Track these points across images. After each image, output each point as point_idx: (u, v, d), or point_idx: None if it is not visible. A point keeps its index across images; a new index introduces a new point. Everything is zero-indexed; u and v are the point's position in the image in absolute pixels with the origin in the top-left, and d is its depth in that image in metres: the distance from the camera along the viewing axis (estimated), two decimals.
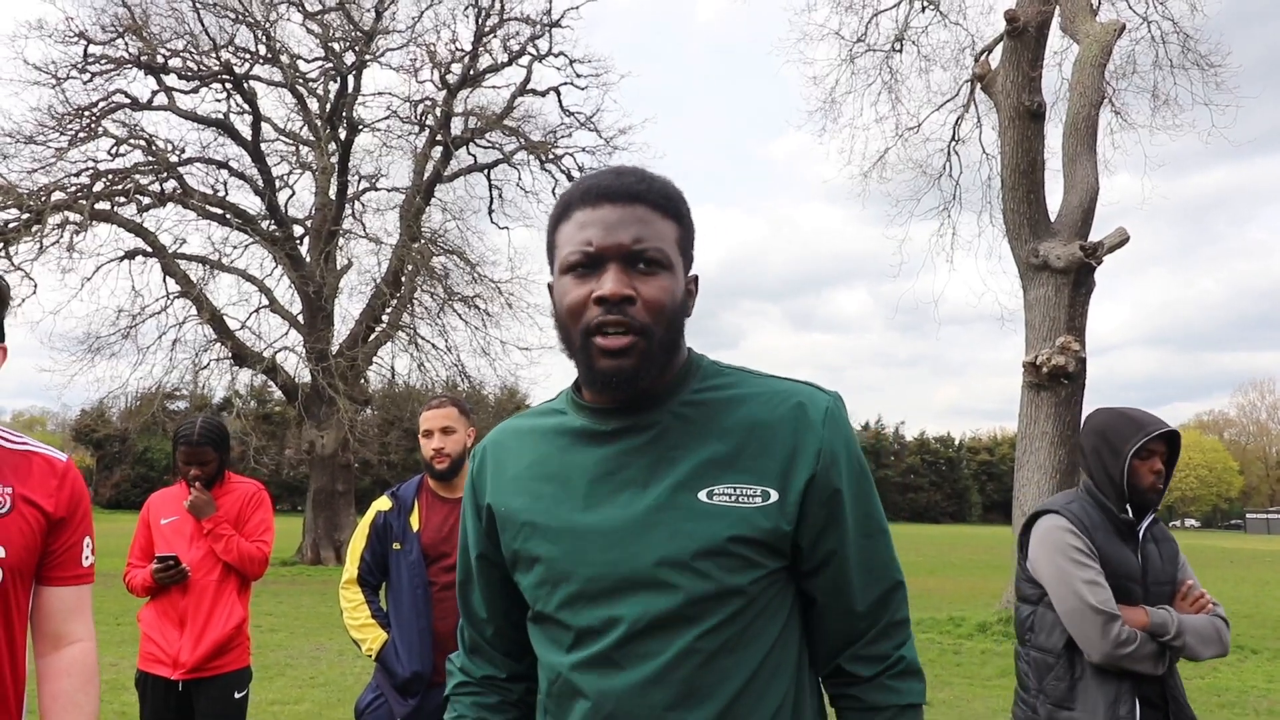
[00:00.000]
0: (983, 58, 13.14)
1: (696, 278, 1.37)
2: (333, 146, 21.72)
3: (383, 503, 3.23)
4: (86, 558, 1.84)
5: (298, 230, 22.46)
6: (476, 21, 22.51)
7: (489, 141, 23.34)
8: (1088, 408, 11.95)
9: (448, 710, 1.52)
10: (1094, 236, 11.72)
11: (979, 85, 13.27)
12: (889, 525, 1.39)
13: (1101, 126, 12.71)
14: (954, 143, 16.36)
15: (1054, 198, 12.17)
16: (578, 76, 23.04)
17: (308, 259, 21.59)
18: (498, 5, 22.50)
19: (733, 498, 1.26)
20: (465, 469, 3.25)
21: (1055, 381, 11.09)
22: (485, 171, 23.69)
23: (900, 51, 16.08)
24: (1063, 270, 11.41)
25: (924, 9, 15.81)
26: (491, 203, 23.99)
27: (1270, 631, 12.39)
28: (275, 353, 21.44)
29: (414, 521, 3.15)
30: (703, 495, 1.26)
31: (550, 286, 1.35)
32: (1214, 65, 14.93)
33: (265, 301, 21.77)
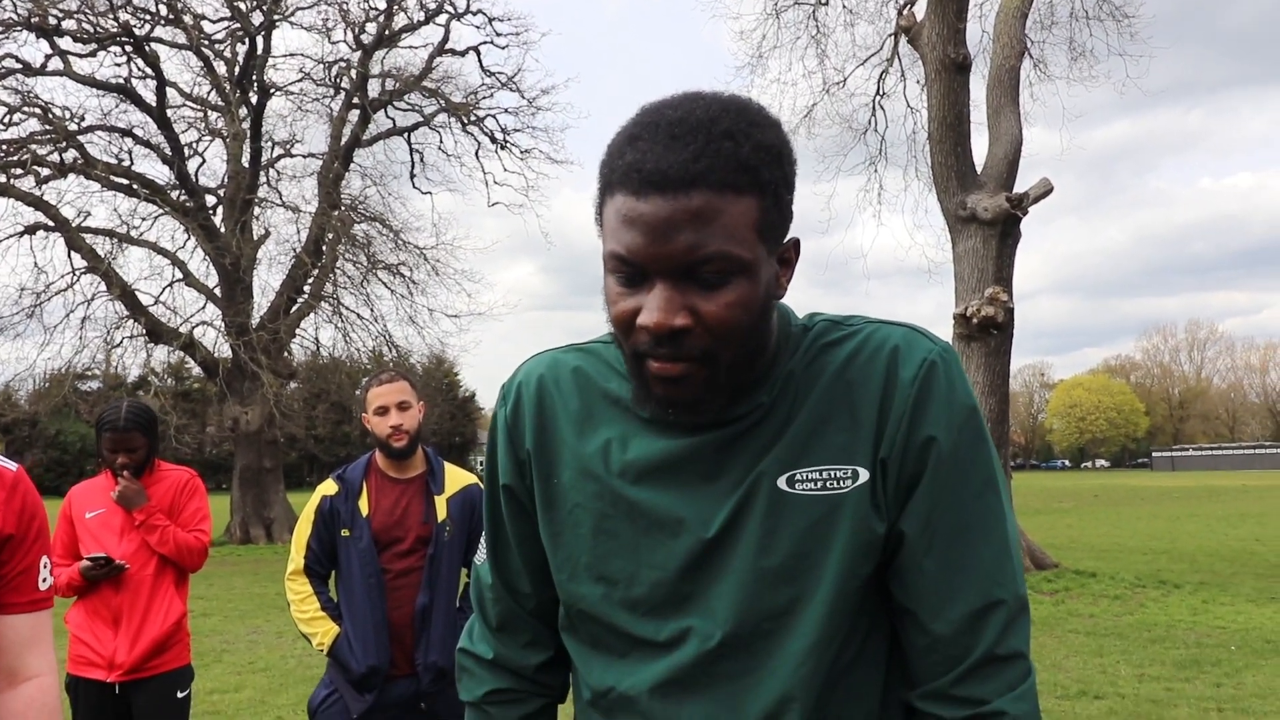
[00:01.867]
0: (907, 10, 13.15)
1: (796, 243, 1.04)
2: (244, 111, 20.84)
3: (328, 486, 3.06)
4: (44, 579, 1.57)
5: (210, 200, 21.61)
6: None
7: (408, 104, 22.71)
8: (1014, 358, 12.22)
9: None
10: (1017, 188, 11.90)
11: (904, 38, 13.29)
12: (1007, 524, 1.04)
13: (1022, 78, 12.87)
14: (879, 97, 16.45)
15: (978, 151, 12.33)
16: (497, 35, 22.48)
17: (222, 229, 20.78)
18: None
19: (818, 483, 1.01)
20: (420, 448, 3.09)
21: (985, 332, 11.27)
22: (405, 135, 23.06)
23: (826, 4, 16.03)
24: (990, 222, 11.57)
25: None
26: (413, 167, 23.40)
27: (1188, 565, 12.94)
28: (192, 328, 20.67)
29: (363, 506, 2.98)
30: (783, 483, 1.02)
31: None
32: (1128, 16, 15.24)
33: (179, 275, 20.92)
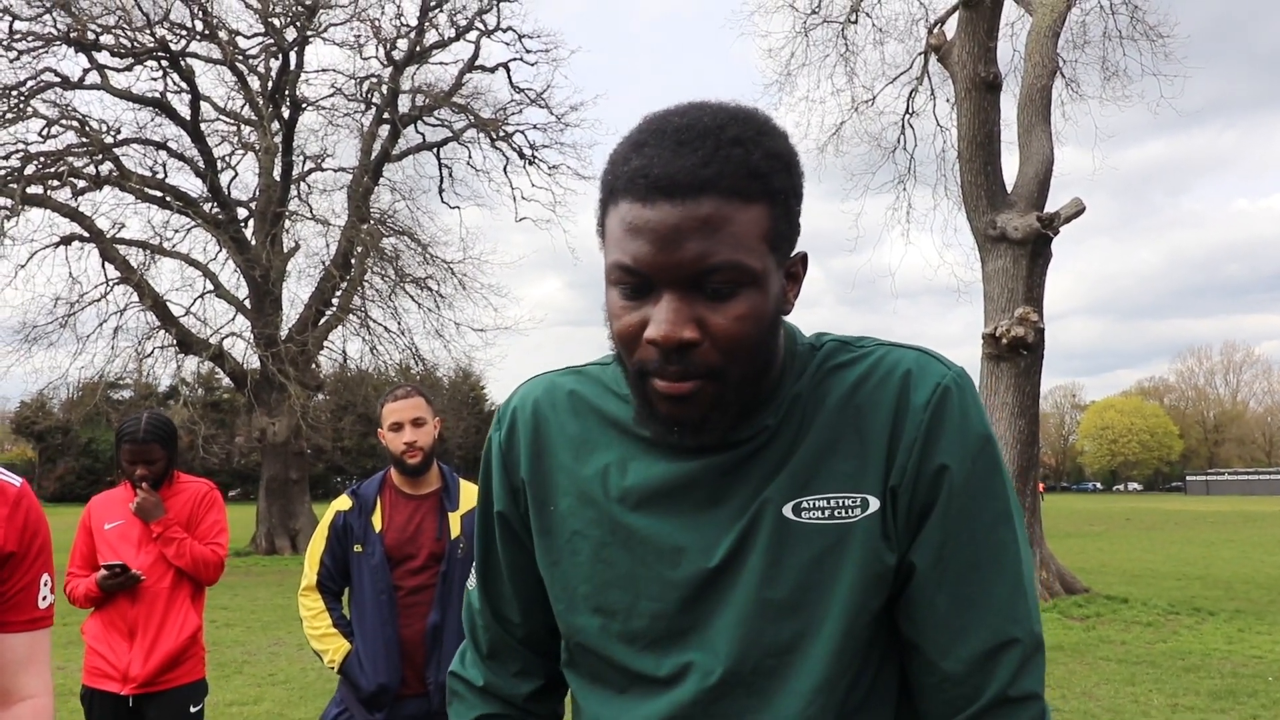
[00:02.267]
0: (937, 29, 13.08)
1: (804, 257, 1.00)
2: (276, 125, 21.10)
3: (342, 502, 3.03)
4: (44, 598, 1.52)
5: (242, 213, 21.86)
6: None
7: (438, 119, 22.91)
8: (1045, 379, 12.06)
9: None
10: (1048, 208, 11.77)
11: (934, 56, 13.22)
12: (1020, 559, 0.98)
13: (1054, 98, 12.75)
14: (908, 115, 16.35)
15: (1008, 170, 12.22)
16: (527, 52, 22.66)
17: (253, 242, 21.01)
18: None
19: (826, 511, 0.96)
20: (435, 465, 3.06)
21: (1014, 352, 11.13)
22: (434, 150, 23.26)
23: (855, 23, 15.98)
24: (1020, 241, 11.44)
25: None
26: (442, 182, 23.60)
27: (1223, 593, 12.66)
28: (222, 339, 20.88)
29: (376, 522, 2.95)
30: (789, 511, 0.96)
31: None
32: (1162, 36, 15.07)
33: (210, 286, 21.17)
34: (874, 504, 0.96)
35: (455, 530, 2.96)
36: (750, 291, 0.92)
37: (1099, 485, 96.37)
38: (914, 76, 16.10)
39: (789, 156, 0.95)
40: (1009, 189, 11.97)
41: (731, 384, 0.94)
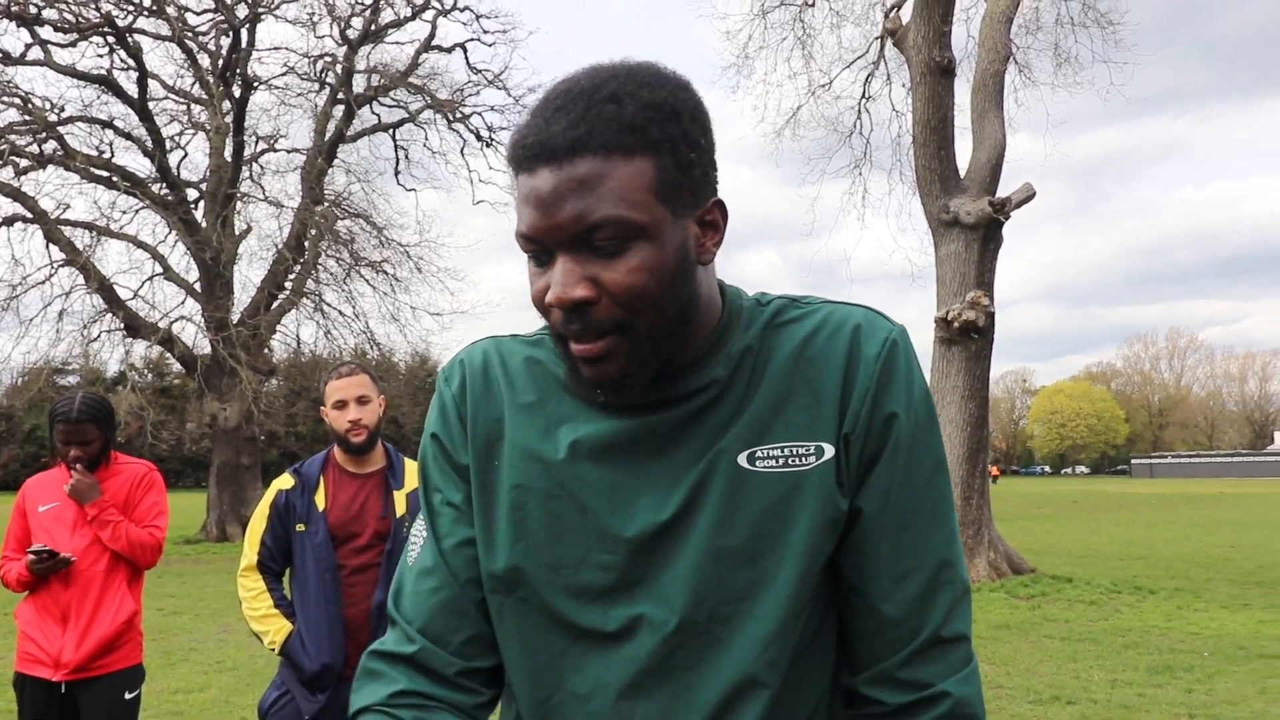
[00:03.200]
0: (893, 13, 13.15)
1: (718, 203, 1.00)
2: (226, 105, 20.69)
3: (284, 480, 2.99)
4: None
5: (192, 194, 21.42)
6: None
7: (393, 100, 22.62)
8: (996, 364, 12.24)
9: None
10: (1000, 193, 11.92)
11: (890, 40, 13.30)
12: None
13: (1006, 84, 12.89)
14: (864, 100, 16.45)
15: (962, 155, 12.34)
16: (484, 32, 22.43)
17: (203, 224, 20.61)
18: None
19: (780, 460, 0.98)
20: (380, 444, 3.03)
21: (966, 336, 11.28)
22: (390, 131, 22.96)
23: (813, 6, 16.01)
24: (972, 226, 11.58)
25: None
26: (398, 164, 23.31)
27: (1164, 572, 12.99)
28: (171, 323, 20.49)
29: (319, 500, 2.91)
30: (743, 460, 0.98)
31: None
32: (1113, 23, 15.30)
33: (159, 269, 20.76)
34: (829, 451, 0.98)
35: (401, 508, 2.93)
36: (641, 245, 0.92)
37: (1047, 469, 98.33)
38: (870, 61, 16.21)
39: (674, 104, 0.94)
40: (962, 174, 12.10)
41: (643, 337, 0.95)
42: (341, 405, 2.91)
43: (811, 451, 0.98)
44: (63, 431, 3.23)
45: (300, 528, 2.89)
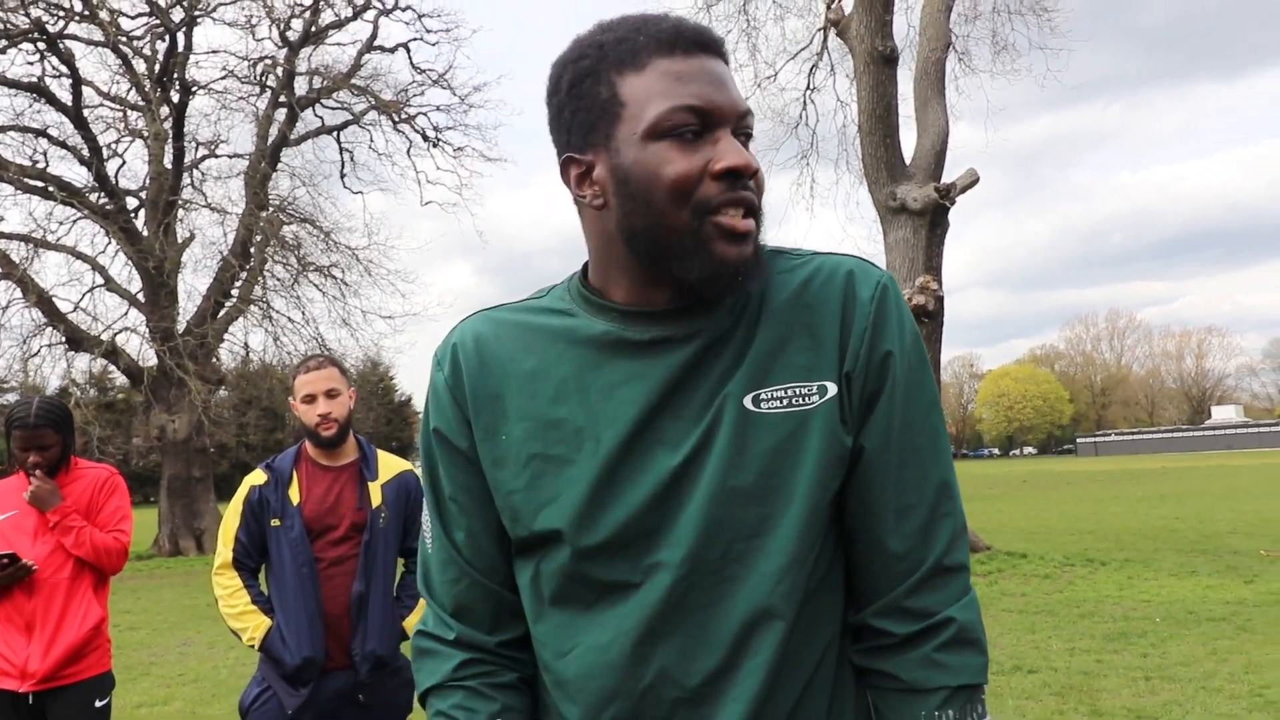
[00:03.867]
0: (834, 4, 13.31)
1: None
2: (165, 110, 20.23)
3: (256, 476, 2.96)
4: None
5: (131, 202, 20.92)
6: None
7: (337, 102, 22.29)
8: (945, 350, 12.47)
9: (448, 706, 1.10)
10: (945, 180, 12.13)
11: (833, 31, 13.46)
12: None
13: (947, 72, 13.12)
14: (810, 91, 16.63)
15: (907, 143, 12.55)
16: (428, 32, 22.21)
17: (145, 232, 20.15)
18: None
19: (784, 400, 1.01)
20: (351, 436, 3.01)
21: (916, 320, 11.42)
22: (335, 134, 22.64)
23: None
24: (919, 212, 11.78)
25: None
26: (343, 166, 22.99)
27: (1113, 544, 13.34)
28: (115, 334, 20.02)
29: (294, 494, 2.89)
30: (749, 403, 1.01)
31: (568, 162, 1.05)
32: (1047, 10, 15.65)
33: (100, 280, 20.25)
34: (831, 389, 1.02)
35: (376, 499, 2.92)
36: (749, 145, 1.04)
37: (996, 451, 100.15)
38: (814, 52, 16.39)
39: None
40: (908, 161, 12.30)
41: (759, 229, 1.03)
42: (311, 399, 2.89)
43: (814, 391, 1.02)
44: (20, 438, 3.17)
45: (275, 522, 2.87)
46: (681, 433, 1.02)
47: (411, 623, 2.93)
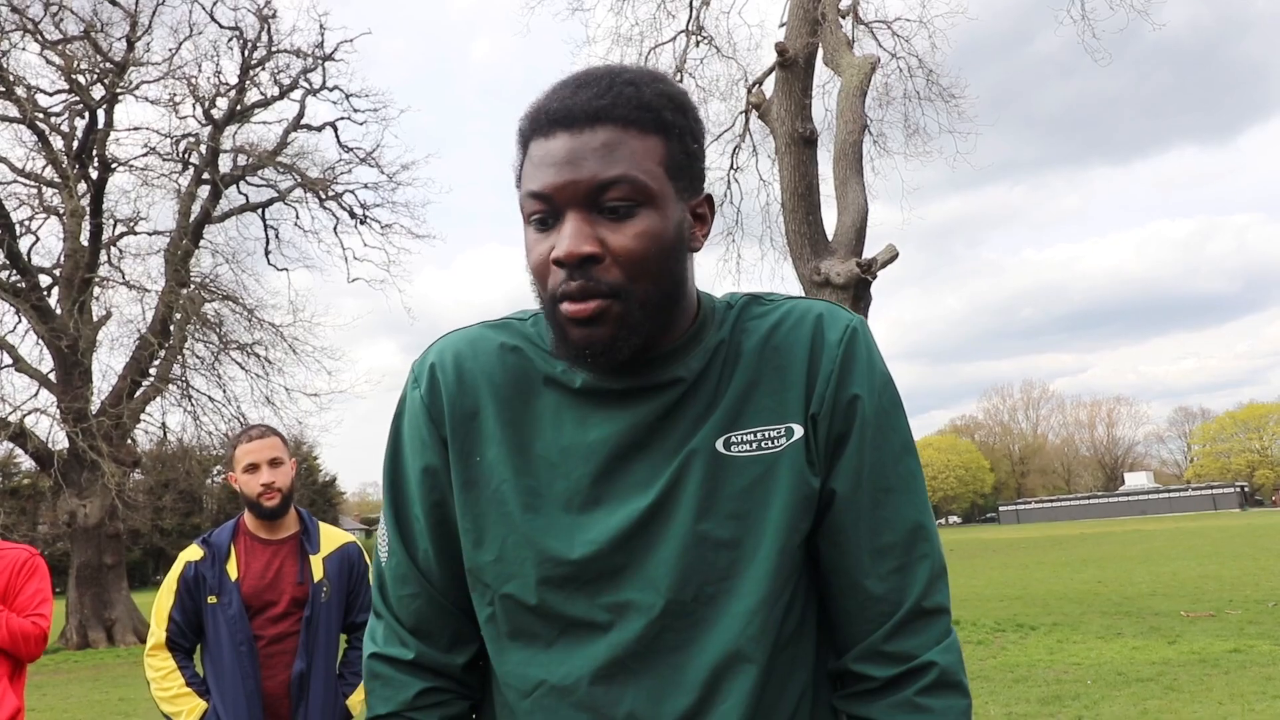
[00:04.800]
0: (755, 89, 13.82)
1: (709, 198, 1.07)
2: (83, 187, 19.84)
3: (192, 552, 2.87)
4: None
5: (45, 280, 20.34)
6: (242, 54, 21.38)
7: (262, 179, 22.15)
8: None
9: None
10: (866, 255, 12.54)
11: (755, 114, 13.94)
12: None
13: (865, 153, 13.66)
14: (733, 171, 17.10)
15: (828, 221, 12.96)
16: (355, 111, 22.32)
17: (58, 310, 19.55)
18: (265, 38, 21.48)
19: (753, 444, 1.02)
20: (292, 508, 2.95)
21: None
22: (259, 211, 22.42)
23: (680, 83, 16.62)
24: (843, 286, 12.11)
25: (698, 44, 16.50)
26: (268, 244, 22.72)
27: (1041, 609, 13.57)
28: (23, 416, 19.20)
29: (232, 570, 2.81)
30: (720, 445, 1.02)
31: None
32: (955, 96, 16.45)
33: (8, 360, 19.50)
34: (798, 431, 1.03)
35: (318, 573, 2.86)
36: (648, 211, 0.99)
37: None
38: (737, 134, 16.91)
39: (682, 99, 1.04)
40: (829, 238, 12.69)
41: (636, 303, 0.99)
42: (253, 469, 2.84)
43: (782, 433, 1.03)
44: None
45: (212, 599, 2.78)
46: (652, 474, 1.03)
47: (355, 700, 2.84)
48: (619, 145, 0.98)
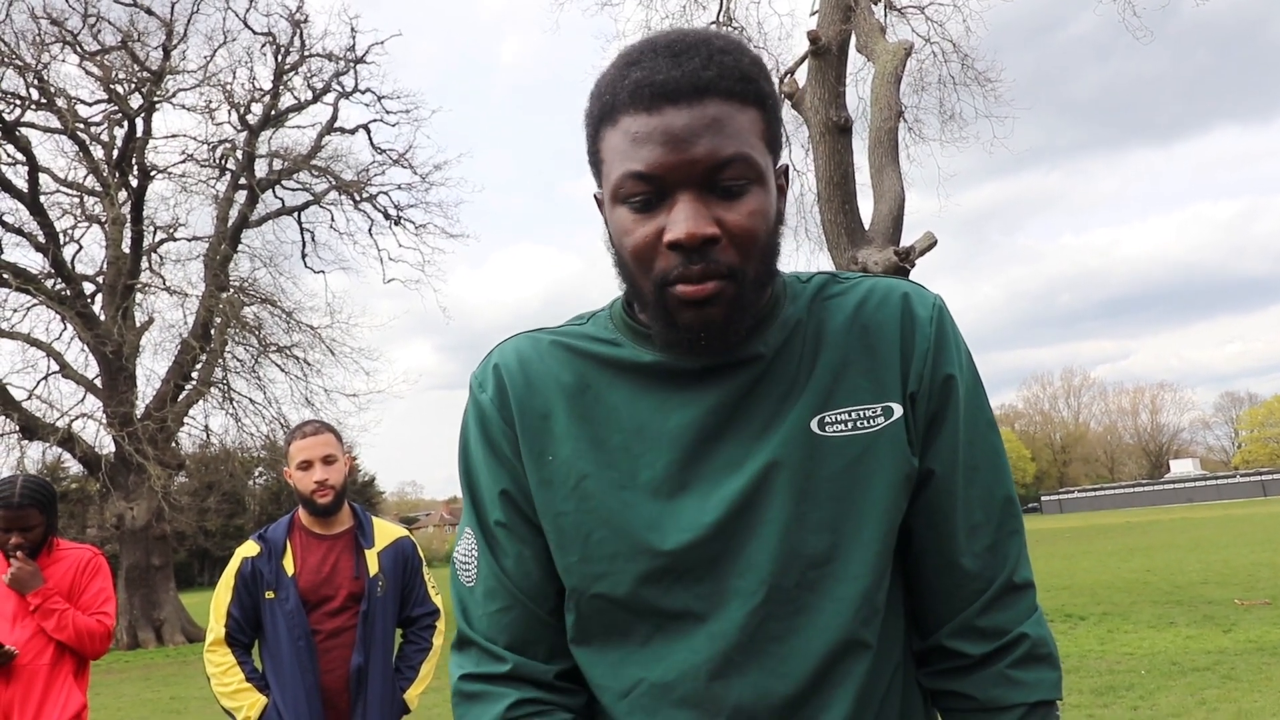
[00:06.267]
0: (788, 78, 13.71)
1: (786, 169, 1.04)
2: (123, 195, 20.18)
3: (248, 548, 2.89)
4: None
5: (89, 287, 20.70)
6: (275, 59, 21.62)
7: (297, 183, 22.41)
8: None
9: None
10: (903, 244, 12.40)
11: (788, 103, 13.84)
12: None
13: (900, 140, 13.51)
14: None
15: (864, 209, 12.82)
16: (387, 113, 22.52)
17: (102, 317, 19.90)
18: (297, 42, 21.71)
19: (849, 424, 0.99)
20: (346, 503, 2.96)
21: None
22: (295, 214, 22.69)
23: None
24: (880, 275, 12.00)
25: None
26: (304, 247, 22.99)
27: (1089, 598, 13.37)
28: (71, 421, 19.56)
29: (288, 565, 2.82)
30: (814, 425, 0.99)
31: (597, 200, 1.03)
32: (990, 81, 16.22)
33: (55, 367, 19.89)
34: (897, 410, 1.01)
35: (374, 567, 2.86)
36: (758, 189, 0.96)
37: None
38: None
39: (766, 68, 1.01)
40: (866, 227, 12.56)
41: (748, 284, 0.96)
42: (306, 466, 2.85)
43: (879, 413, 1.00)
44: (3, 518, 3.07)
45: (269, 595, 2.79)
46: (742, 456, 0.99)
47: (413, 694, 2.85)
48: (729, 120, 0.93)
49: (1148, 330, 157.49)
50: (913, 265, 12.10)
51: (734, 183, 0.94)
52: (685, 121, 0.92)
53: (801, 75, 13.36)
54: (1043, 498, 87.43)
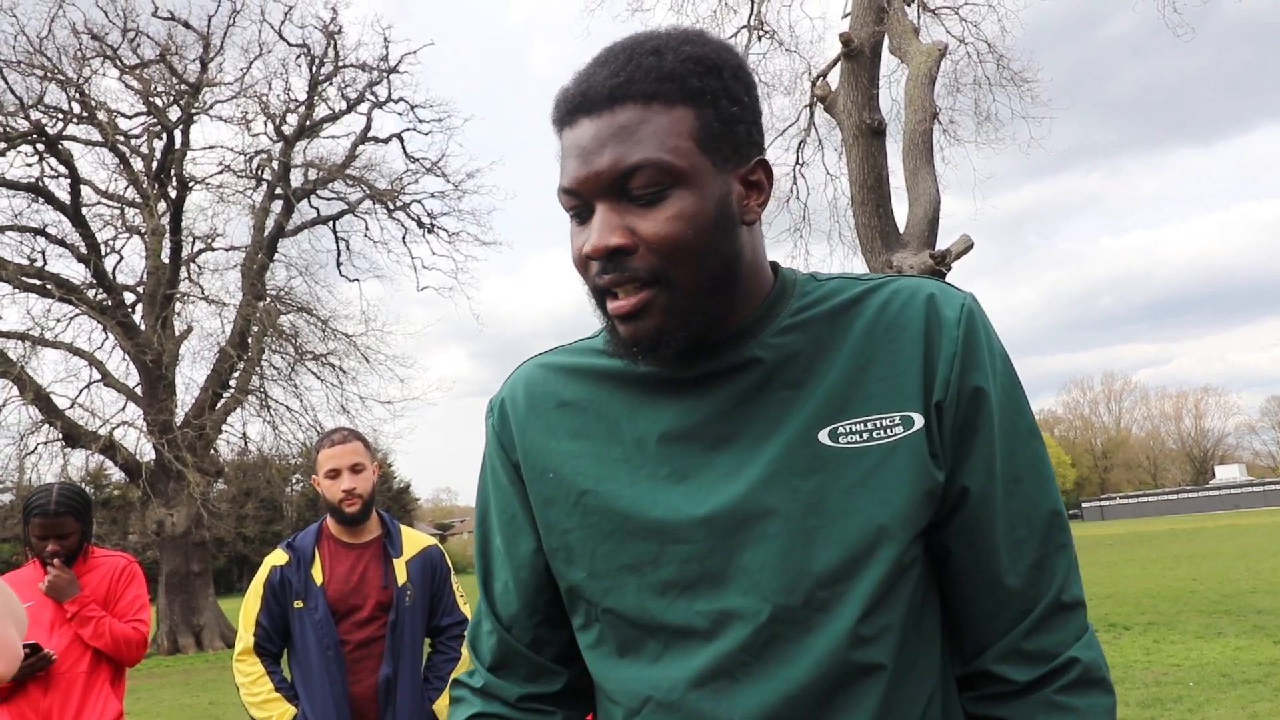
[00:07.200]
0: (820, 81, 13.62)
1: (762, 163, 0.98)
2: (162, 206, 20.50)
3: (277, 556, 2.88)
4: None
5: (129, 297, 21.07)
6: (310, 70, 21.88)
7: (332, 192, 22.64)
8: None
9: None
10: (939, 246, 12.25)
11: (821, 106, 13.75)
12: None
13: (934, 142, 13.36)
14: (799, 166, 16.89)
15: (898, 213, 12.69)
16: (420, 122, 22.68)
17: (142, 326, 20.22)
18: (331, 53, 21.95)
19: (864, 435, 0.93)
20: (374, 512, 2.94)
21: None
22: (330, 223, 22.93)
23: (724, 39, 16.46)
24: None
25: (760, 38, 16.34)
26: (339, 255, 23.23)
27: (1134, 608, 13.09)
28: (112, 429, 19.90)
29: (317, 574, 2.81)
30: (824, 437, 0.93)
31: None
32: (1027, 81, 16.01)
33: (97, 375, 20.23)
34: (918, 421, 0.94)
35: (402, 577, 2.84)
36: (680, 193, 0.91)
37: None
38: (801, 128, 16.70)
39: (715, 60, 0.95)
40: (901, 230, 12.43)
41: (681, 292, 0.92)
42: (335, 474, 2.83)
43: (898, 423, 0.94)
44: (40, 525, 3.09)
45: (298, 604, 2.78)
46: (741, 464, 0.95)
47: (441, 705, 2.82)
48: (640, 125, 0.91)
49: (1190, 333, 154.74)
50: (948, 269, 11.95)
51: (646, 190, 0.91)
52: (593, 132, 0.92)
53: (834, 78, 13.27)
54: (1084, 504, 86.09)
